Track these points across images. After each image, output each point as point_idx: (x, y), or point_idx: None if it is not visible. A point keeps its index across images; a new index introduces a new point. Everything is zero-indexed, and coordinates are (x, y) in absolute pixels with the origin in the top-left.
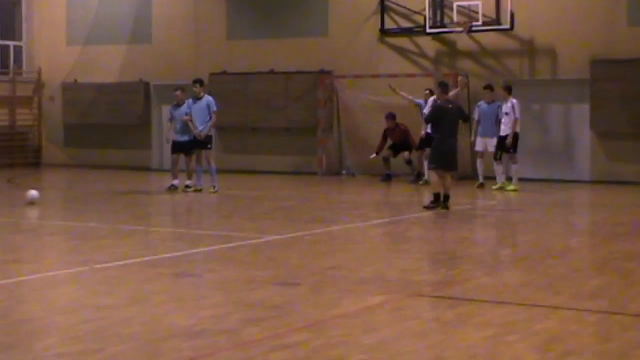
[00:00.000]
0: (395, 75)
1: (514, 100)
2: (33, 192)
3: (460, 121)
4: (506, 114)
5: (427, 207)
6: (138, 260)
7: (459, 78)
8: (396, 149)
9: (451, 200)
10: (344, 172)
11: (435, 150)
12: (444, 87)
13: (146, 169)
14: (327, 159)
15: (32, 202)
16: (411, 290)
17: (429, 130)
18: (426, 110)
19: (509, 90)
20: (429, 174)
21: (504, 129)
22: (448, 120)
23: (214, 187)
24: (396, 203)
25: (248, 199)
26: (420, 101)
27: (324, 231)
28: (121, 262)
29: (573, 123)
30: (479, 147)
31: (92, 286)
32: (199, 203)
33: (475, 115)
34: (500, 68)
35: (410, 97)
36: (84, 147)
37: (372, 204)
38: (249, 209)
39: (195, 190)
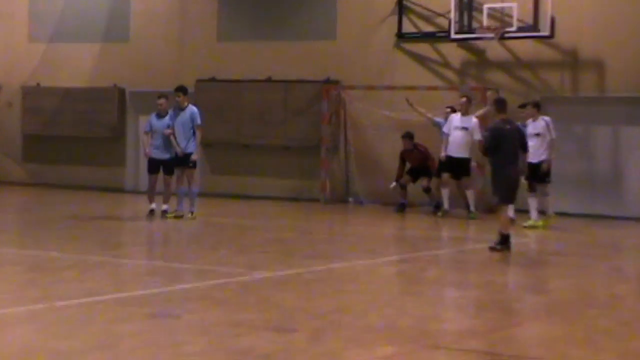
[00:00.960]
0: (413, 88)
1: (547, 118)
2: None
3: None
4: (537, 135)
5: (493, 249)
6: (106, 297)
7: (488, 93)
8: (414, 175)
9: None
10: (350, 199)
11: (497, 181)
12: (500, 104)
13: (119, 190)
14: (332, 183)
15: None
16: (427, 342)
17: (450, 153)
18: (446, 130)
19: (538, 107)
20: (502, 209)
21: (535, 154)
22: (508, 143)
23: (192, 212)
24: (411, 238)
25: (237, 228)
26: (440, 120)
27: (326, 269)
28: (86, 299)
29: (622, 148)
30: None
31: (50, 327)
32: (179, 232)
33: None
34: (537, 82)
35: (429, 115)
36: (46, 163)
37: (383, 238)
38: (239, 240)
39: (176, 217)
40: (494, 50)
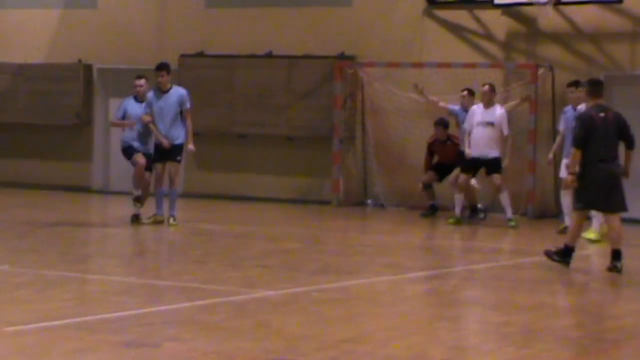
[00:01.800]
0: (447, 65)
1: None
2: None
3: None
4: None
5: (549, 257)
6: (68, 321)
7: (524, 96)
8: (441, 171)
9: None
10: (369, 202)
11: (583, 183)
12: (594, 87)
13: (85, 189)
14: (347, 182)
15: None
16: None
17: (474, 154)
18: (466, 126)
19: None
20: (576, 216)
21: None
22: (601, 135)
23: (174, 216)
24: (443, 248)
25: (231, 237)
26: (455, 107)
27: (339, 286)
28: (44, 324)
29: None
30: (564, 172)
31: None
32: (159, 242)
33: (561, 126)
34: (602, 58)
35: (442, 104)
36: None
37: (408, 248)
38: (233, 251)
39: (156, 222)
40: (548, 19)
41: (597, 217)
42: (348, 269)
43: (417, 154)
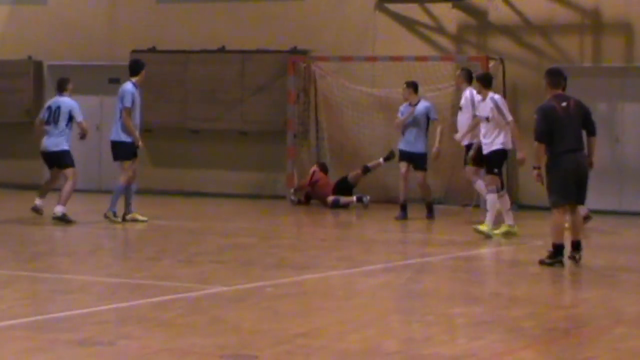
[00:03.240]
0: (399, 59)
1: (497, 97)
2: None
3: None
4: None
5: (543, 262)
6: (20, 321)
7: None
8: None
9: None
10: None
11: (553, 176)
12: (553, 77)
13: (34, 187)
14: (301, 176)
15: None
16: None
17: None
18: (401, 115)
19: (481, 81)
20: (555, 213)
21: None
22: (565, 125)
23: (113, 212)
24: (397, 241)
25: (186, 233)
26: (401, 109)
27: (294, 281)
28: None
29: None
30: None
31: None
32: (113, 239)
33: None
34: (552, 50)
35: (398, 120)
36: None
37: (363, 242)
38: (187, 247)
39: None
40: (498, 12)
41: (491, 211)
42: (302, 264)
43: (371, 146)
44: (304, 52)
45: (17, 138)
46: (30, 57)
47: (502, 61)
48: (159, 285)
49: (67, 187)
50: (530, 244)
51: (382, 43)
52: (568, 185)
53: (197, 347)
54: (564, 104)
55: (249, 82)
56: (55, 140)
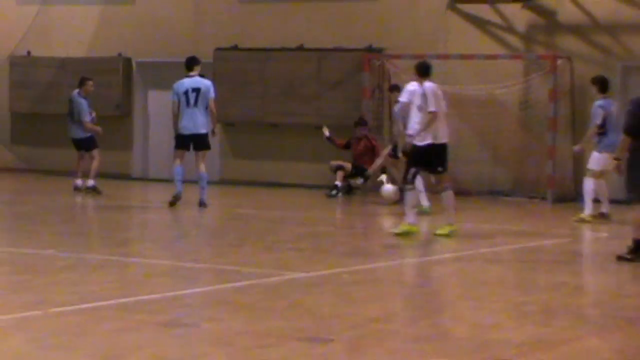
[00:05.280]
0: (470, 57)
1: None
2: None
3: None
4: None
5: (622, 258)
6: (110, 302)
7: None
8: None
9: None
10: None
11: (636, 171)
12: None
13: (125, 177)
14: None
15: None
16: (486, 354)
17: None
18: (397, 109)
19: (419, 71)
20: (637, 208)
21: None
22: None
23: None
24: (470, 232)
25: (264, 221)
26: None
27: (368, 268)
28: (87, 305)
29: None
30: (592, 164)
31: (45, 337)
32: (198, 226)
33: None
34: (619, 48)
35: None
36: (39, 146)
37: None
38: (266, 235)
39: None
40: (566, 11)
41: (450, 211)
42: (377, 252)
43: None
44: (379, 50)
45: (107, 130)
46: (120, 54)
47: (570, 59)
48: (240, 270)
49: (95, 164)
50: (594, 237)
51: (453, 42)
52: None
53: (275, 330)
54: None
55: (325, 79)
56: (77, 130)
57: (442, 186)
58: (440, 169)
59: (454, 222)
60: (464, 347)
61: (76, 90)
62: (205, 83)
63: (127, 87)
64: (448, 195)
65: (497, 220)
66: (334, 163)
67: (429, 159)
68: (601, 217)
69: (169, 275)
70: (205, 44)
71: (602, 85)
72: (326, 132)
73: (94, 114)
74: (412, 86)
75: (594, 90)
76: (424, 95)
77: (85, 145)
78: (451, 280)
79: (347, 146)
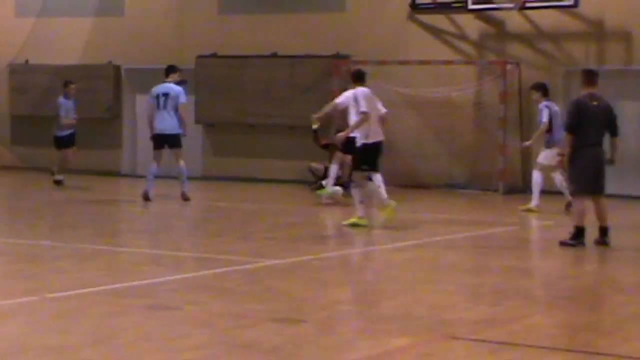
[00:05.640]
0: (428, 62)
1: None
2: None
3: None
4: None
5: (564, 244)
6: (102, 288)
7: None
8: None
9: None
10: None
11: (575, 166)
12: (589, 76)
13: (115, 174)
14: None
15: None
16: (443, 332)
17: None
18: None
19: (355, 80)
20: (577, 199)
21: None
22: (591, 121)
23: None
24: (426, 222)
25: (242, 213)
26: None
27: (337, 255)
28: (81, 291)
29: None
30: (542, 157)
31: (42, 321)
32: (181, 218)
33: (546, 117)
34: (561, 55)
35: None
36: (37, 146)
37: (398, 222)
38: (243, 226)
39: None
40: (514, 21)
41: (362, 204)
42: (345, 240)
43: (403, 140)
44: (346, 57)
45: (99, 131)
46: (110, 62)
47: (518, 65)
48: (219, 258)
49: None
50: (539, 225)
51: (413, 49)
52: (588, 175)
53: (252, 312)
54: (595, 102)
55: (298, 83)
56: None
57: (355, 182)
58: (364, 167)
59: (365, 216)
60: (423, 326)
61: (61, 96)
62: (175, 89)
63: (117, 92)
64: (355, 192)
65: (453, 211)
66: (313, 165)
67: (365, 157)
68: (568, 207)
69: (154, 263)
70: (187, 52)
71: (545, 89)
72: (314, 125)
73: (75, 116)
74: (349, 92)
75: (535, 95)
76: (356, 99)
77: (65, 142)
78: (411, 266)
79: (325, 147)
